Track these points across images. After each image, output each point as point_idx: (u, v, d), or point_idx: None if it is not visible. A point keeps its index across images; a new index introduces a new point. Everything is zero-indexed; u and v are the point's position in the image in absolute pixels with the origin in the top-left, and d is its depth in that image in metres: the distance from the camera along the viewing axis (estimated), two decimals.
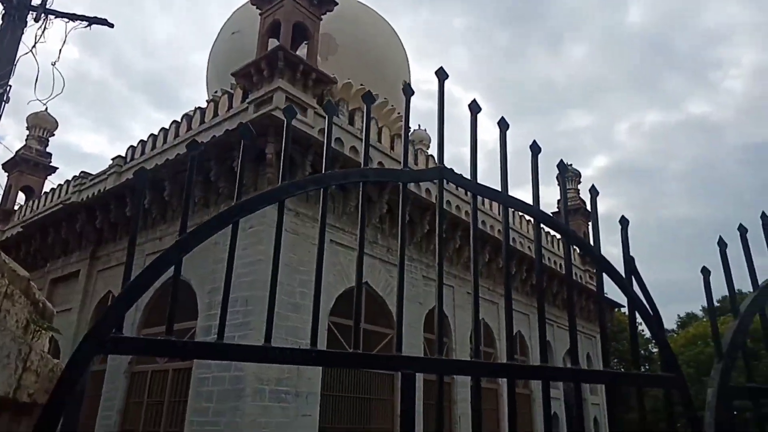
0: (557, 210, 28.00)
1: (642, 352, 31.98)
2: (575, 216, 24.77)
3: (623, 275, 2.21)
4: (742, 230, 2.57)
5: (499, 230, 18.64)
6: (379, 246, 14.48)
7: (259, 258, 10.98)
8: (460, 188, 18.61)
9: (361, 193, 1.91)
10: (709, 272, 2.43)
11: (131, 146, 17.41)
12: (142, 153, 16.50)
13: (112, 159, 17.63)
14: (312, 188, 1.87)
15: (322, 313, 7.89)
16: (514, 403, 1.93)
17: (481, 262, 17.25)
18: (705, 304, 2.46)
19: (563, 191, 2.28)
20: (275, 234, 1.74)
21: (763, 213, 2.67)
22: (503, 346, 16.03)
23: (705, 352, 31.57)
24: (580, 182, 25.76)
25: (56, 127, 25.15)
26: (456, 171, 2.10)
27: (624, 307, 30.16)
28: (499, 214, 19.41)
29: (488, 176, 1.91)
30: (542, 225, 2.18)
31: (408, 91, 2.07)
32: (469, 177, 2.08)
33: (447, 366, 1.89)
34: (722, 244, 2.50)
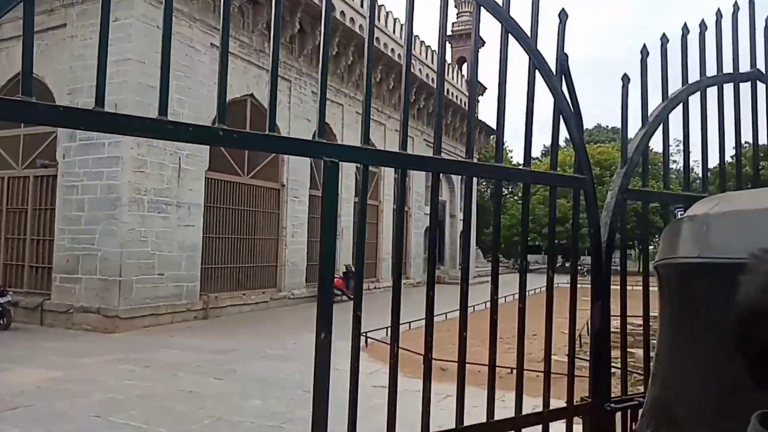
0: (451, 34, 27.44)
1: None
2: (468, 41, 24.54)
3: (553, 73, 2.10)
4: (664, 39, 2.53)
5: (392, 49, 18.03)
6: (267, 56, 13.40)
7: (127, 57, 9.70)
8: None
9: None
10: (629, 79, 2.41)
11: None
12: None
13: None
14: None
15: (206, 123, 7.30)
16: (436, 198, 1.86)
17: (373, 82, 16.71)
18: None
19: None
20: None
21: (684, 24, 2.63)
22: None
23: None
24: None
25: None
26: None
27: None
28: (394, 32, 18.58)
29: None
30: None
31: None
32: None
33: (371, 155, 1.72)
34: (644, 52, 2.46)
